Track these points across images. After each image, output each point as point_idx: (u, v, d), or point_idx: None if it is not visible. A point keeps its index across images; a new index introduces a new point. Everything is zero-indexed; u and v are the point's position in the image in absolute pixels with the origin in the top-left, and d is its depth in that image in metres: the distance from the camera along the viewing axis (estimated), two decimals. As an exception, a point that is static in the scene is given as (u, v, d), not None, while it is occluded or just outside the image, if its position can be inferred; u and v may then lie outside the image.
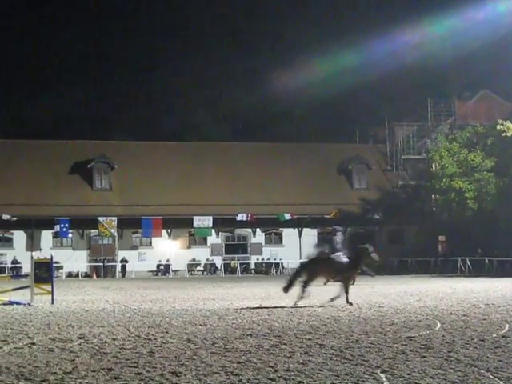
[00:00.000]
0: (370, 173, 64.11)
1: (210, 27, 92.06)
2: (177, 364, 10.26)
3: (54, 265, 26.41)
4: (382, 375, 9.12)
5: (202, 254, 59.64)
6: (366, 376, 9.10)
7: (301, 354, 11.12)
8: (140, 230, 56.78)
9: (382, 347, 11.70)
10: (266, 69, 78.97)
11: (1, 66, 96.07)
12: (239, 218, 56.48)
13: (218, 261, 59.83)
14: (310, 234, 60.50)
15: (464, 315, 17.10)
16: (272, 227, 60.79)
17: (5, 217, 52.27)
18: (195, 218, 55.91)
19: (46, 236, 56.23)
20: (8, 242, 56.76)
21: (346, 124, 74.30)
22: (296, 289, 20.97)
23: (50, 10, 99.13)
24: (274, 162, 62.65)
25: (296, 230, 60.37)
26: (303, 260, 31.00)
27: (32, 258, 24.09)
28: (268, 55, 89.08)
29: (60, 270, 52.78)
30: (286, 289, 21.06)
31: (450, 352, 11.10)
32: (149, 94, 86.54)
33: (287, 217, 57.50)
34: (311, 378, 9.04)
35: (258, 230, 60.60)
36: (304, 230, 60.32)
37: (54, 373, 9.58)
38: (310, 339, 12.82)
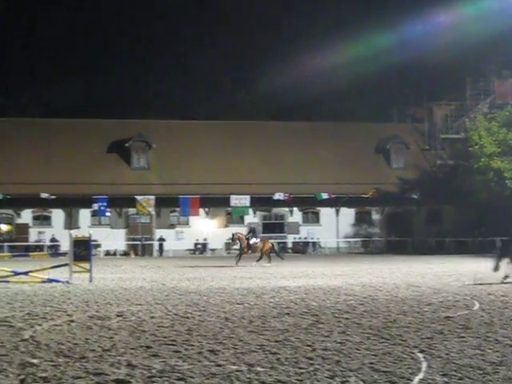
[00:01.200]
0: (408, 152, 63.60)
1: (249, 9, 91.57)
2: (215, 342, 10.29)
3: (92, 243, 26.60)
4: (420, 355, 9.07)
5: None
6: (403, 356, 9.06)
7: (338, 333, 11.09)
8: (177, 208, 56.99)
9: (419, 327, 11.64)
10: (305, 48, 78.24)
11: (46, 43, 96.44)
12: (276, 197, 56.42)
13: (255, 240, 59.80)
14: (348, 214, 60.33)
15: (503, 295, 16.93)
16: (309, 206, 60.67)
17: (43, 195, 52.75)
18: (232, 197, 55.97)
19: (84, 214, 56.74)
20: (46, 221, 57.42)
21: (384, 103, 73.59)
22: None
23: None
24: (311, 141, 62.41)
25: (333, 209, 60.21)
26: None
27: (71, 236, 24.30)
28: (306, 35, 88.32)
29: (98, 249, 53.25)
30: (496, 268, 21.39)
31: (488, 332, 11.01)
32: (187, 73, 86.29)
33: (324, 196, 57.33)
34: (349, 357, 9.01)
35: (295, 209, 60.57)
36: (341, 209, 60.15)
37: (93, 350, 9.67)
38: (347, 318, 12.79)
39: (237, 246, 38.91)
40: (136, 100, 78.18)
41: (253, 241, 36.89)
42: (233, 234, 38.19)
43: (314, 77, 73.62)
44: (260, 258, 36.57)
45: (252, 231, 38.10)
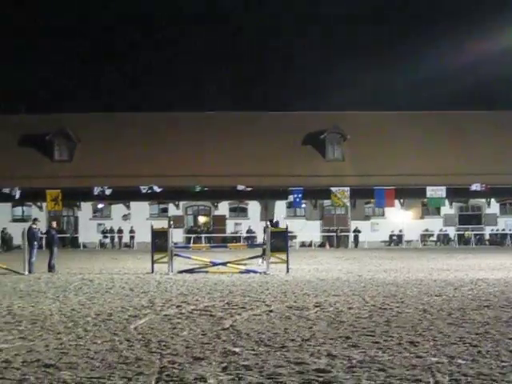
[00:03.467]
0: None
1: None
2: (414, 334, 10.20)
3: (289, 234, 27.04)
4: None
5: (435, 225, 58.64)
6: None
7: (544, 328, 10.63)
8: (373, 200, 56.69)
9: None
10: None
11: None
12: (473, 187, 54.63)
13: (452, 231, 58.55)
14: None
15: None
16: (507, 197, 58.32)
17: (240, 187, 54.08)
18: (428, 188, 54.88)
19: (280, 206, 57.77)
20: (243, 212, 59.01)
21: None
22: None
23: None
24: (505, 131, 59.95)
25: (535, 199, 57.54)
26: None
27: (268, 227, 24.86)
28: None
29: (294, 240, 54.05)
30: None
31: None
32: (383, 63, 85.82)
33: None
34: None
35: (492, 200, 58.47)
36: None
37: (293, 340, 9.86)
38: (554, 314, 12.22)
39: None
40: (330, 91, 78.68)
41: None
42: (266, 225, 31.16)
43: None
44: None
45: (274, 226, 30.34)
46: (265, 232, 28.31)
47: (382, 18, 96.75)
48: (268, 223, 29.31)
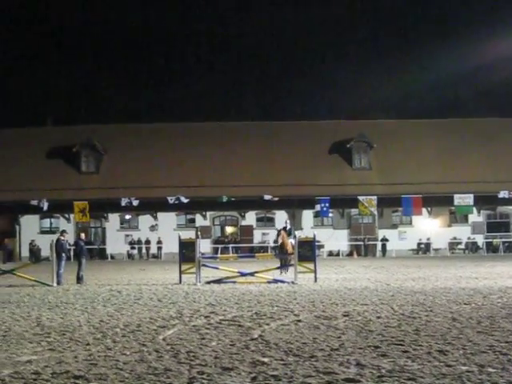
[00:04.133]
0: None
1: None
2: (443, 342, 10.15)
3: (316, 244, 27.00)
4: None
5: (462, 233, 58.23)
6: None
7: None
8: (400, 208, 56.45)
9: None
10: None
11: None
12: (501, 195, 54.17)
13: (480, 239, 58.10)
14: None
15: None
16: (537, 205, 57.89)
17: (267, 197, 54.04)
18: (456, 195, 54.49)
19: (307, 215, 57.71)
20: (270, 222, 58.94)
21: None
22: None
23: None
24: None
25: None
26: None
27: (295, 237, 24.87)
28: None
29: (321, 249, 53.96)
30: None
31: None
32: (410, 69, 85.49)
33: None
34: None
35: (520, 207, 58.13)
36: None
37: (322, 349, 9.86)
38: None
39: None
40: (354, 99, 78.56)
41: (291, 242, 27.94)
42: (279, 231, 30.10)
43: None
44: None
45: (288, 232, 29.39)
46: (278, 236, 28.99)
47: (406, 20, 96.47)
48: (281, 229, 29.43)
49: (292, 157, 57.63)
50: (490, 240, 57.64)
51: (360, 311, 14.31)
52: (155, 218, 57.71)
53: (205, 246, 49.63)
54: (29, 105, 70.62)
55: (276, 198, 54.01)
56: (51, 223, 58.28)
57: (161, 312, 14.92)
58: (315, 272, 23.63)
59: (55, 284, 24.10)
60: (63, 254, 25.42)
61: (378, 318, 13.23)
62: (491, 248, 56.96)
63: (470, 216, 57.57)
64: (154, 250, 56.78)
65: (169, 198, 53.45)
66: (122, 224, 58.65)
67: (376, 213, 56.59)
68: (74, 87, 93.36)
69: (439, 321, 12.62)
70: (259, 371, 8.42)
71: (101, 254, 56.38)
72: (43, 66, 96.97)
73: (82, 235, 28.91)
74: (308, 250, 24.12)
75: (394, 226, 58.51)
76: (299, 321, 13.05)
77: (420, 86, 79.28)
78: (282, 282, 23.27)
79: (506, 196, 54.11)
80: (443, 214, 58.02)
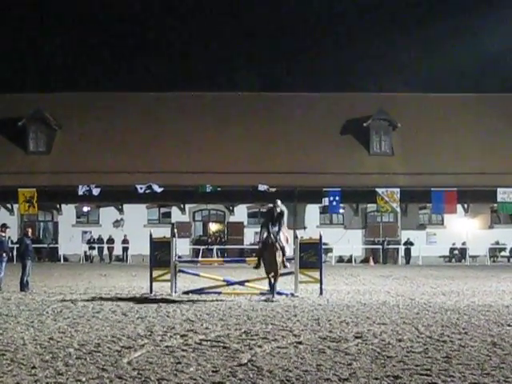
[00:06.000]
0: None
1: None
2: (480, 373, 10.18)
3: (323, 247, 27.00)
4: None
5: (507, 236, 58.24)
6: None
7: None
8: (429, 204, 56.50)
9: None
10: None
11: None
12: (554, 190, 54.44)
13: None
14: None
15: None
16: None
17: (262, 187, 53.78)
18: (499, 190, 54.58)
19: (312, 211, 57.62)
20: (266, 218, 58.82)
21: None
22: None
23: None
24: None
25: None
26: None
27: (297, 237, 24.86)
28: None
29: (329, 254, 53.99)
30: None
31: None
32: (442, 35, 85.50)
33: None
34: None
35: None
36: None
37: (328, 379, 9.88)
38: None
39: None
40: (376, 68, 78.66)
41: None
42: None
43: None
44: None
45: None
46: (262, 231, 23.28)
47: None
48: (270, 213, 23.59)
49: (295, 137, 57.60)
50: (542, 246, 57.85)
51: (376, 332, 14.34)
52: (120, 211, 57.70)
53: (183, 248, 49.69)
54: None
55: (273, 189, 53.88)
56: (-11, 215, 58.22)
57: (126, 329, 14.92)
58: (321, 282, 23.66)
59: (-7, 291, 24.09)
60: (3, 255, 25.38)
61: (399, 341, 13.25)
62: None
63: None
64: (118, 250, 56.74)
65: (138, 187, 53.44)
66: (78, 218, 58.65)
67: (399, 210, 56.66)
68: (22, 45, 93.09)
69: (476, 346, 12.65)
70: (249, 405, 8.44)
71: (51, 255, 56.31)
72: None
73: (28, 231, 28.87)
74: (312, 255, 24.09)
75: (421, 227, 58.61)
76: (300, 343, 13.07)
77: (456, 53, 79.35)
78: (280, 293, 23.25)
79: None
80: (483, 212, 58.13)
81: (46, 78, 75.35)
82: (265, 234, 22.72)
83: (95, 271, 40.71)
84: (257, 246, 55.41)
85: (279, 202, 23.39)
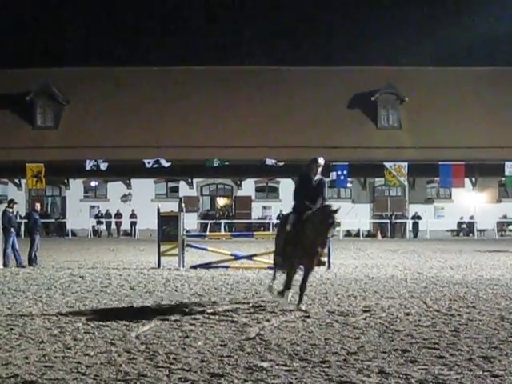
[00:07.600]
0: None
1: None
2: (488, 347, 10.16)
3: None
4: None
5: (515, 210, 58.30)
6: None
7: None
8: (436, 178, 56.40)
9: None
10: None
11: None
12: None
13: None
14: None
15: None
16: None
17: (269, 161, 53.73)
18: (507, 164, 54.45)
19: (320, 185, 57.45)
20: (273, 193, 58.79)
21: None
22: None
23: None
24: None
25: None
26: None
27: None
28: None
29: (337, 228, 53.91)
30: None
31: None
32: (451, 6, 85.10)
33: None
34: None
35: None
36: None
37: (335, 353, 9.85)
38: None
39: None
40: (383, 41, 78.21)
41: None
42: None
43: None
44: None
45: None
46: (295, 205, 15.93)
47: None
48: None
49: (302, 111, 57.47)
50: (549, 219, 57.80)
51: (384, 306, 14.32)
52: (128, 185, 57.73)
53: (190, 222, 49.77)
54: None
55: (281, 163, 53.85)
56: (-3, 190, 58.29)
57: (134, 303, 14.92)
58: (328, 256, 23.57)
59: (1, 266, 24.11)
60: (12, 230, 25.39)
61: (407, 314, 13.24)
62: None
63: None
64: (126, 225, 56.82)
65: (146, 161, 53.41)
66: (86, 193, 58.73)
67: (406, 183, 56.59)
68: (29, 20, 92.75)
69: (484, 320, 12.63)
70: (256, 379, 8.41)
71: (59, 230, 56.43)
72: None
73: (37, 206, 28.87)
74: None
75: (429, 201, 58.57)
76: (308, 317, 13.06)
77: (466, 25, 78.86)
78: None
79: None
80: (491, 186, 58.05)
81: (54, 53, 75.16)
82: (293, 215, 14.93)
83: (103, 246, 40.78)
84: (266, 222, 56.66)
85: (321, 159, 15.03)
